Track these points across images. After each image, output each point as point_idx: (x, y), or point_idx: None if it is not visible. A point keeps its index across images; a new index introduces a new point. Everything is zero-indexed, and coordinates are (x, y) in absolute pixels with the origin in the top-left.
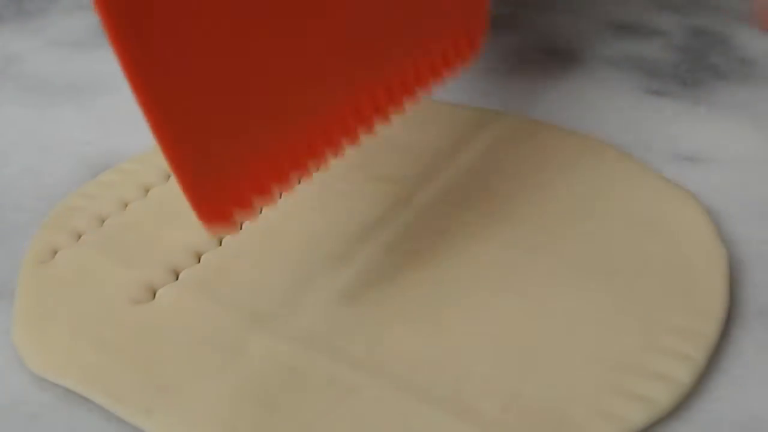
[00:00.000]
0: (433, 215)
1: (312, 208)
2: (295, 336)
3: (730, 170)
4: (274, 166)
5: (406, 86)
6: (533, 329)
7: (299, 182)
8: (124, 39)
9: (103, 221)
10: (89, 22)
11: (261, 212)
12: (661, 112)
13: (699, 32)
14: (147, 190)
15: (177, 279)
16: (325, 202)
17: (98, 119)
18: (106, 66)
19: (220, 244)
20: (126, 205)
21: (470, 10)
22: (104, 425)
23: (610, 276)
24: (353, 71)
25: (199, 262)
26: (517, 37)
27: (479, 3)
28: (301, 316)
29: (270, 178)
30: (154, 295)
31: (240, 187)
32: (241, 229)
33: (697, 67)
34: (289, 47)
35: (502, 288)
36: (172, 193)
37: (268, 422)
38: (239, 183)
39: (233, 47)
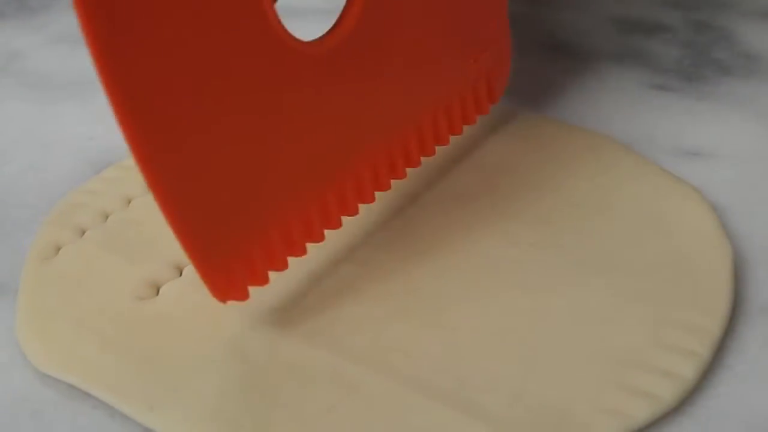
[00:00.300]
0: (437, 212)
1: None
2: (298, 331)
3: (735, 165)
4: (289, 239)
5: (423, 144)
6: (537, 325)
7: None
8: (136, 131)
9: (107, 217)
10: None
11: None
12: (665, 107)
13: (703, 27)
14: None
15: (181, 275)
16: None
17: (101, 115)
18: None
19: None
20: (129, 202)
21: (492, 60)
22: (108, 422)
23: (614, 272)
24: (369, 134)
25: None
26: (520, 34)
27: (502, 53)
28: (304, 311)
29: (284, 250)
30: (158, 291)
31: (254, 262)
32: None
33: (701, 62)
34: (301, 116)
35: (505, 284)
36: None
37: (271, 418)
38: (253, 259)
39: (243, 123)
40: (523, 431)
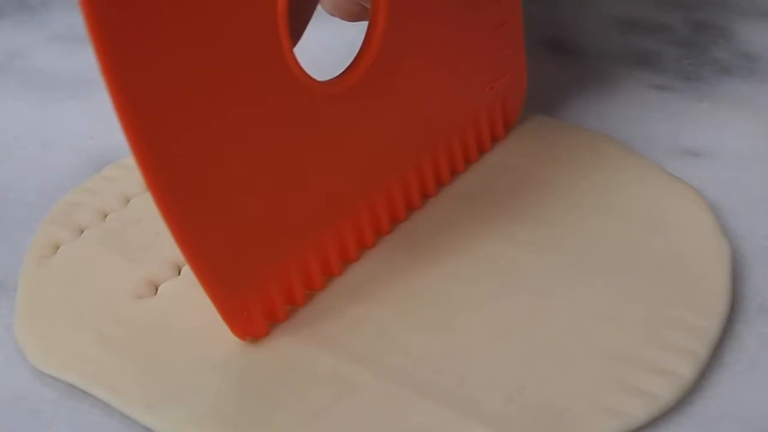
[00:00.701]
0: (440, 212)
1: None
2: (299, 331)
3: (733, 165)
4: (307, 275)
5: (438, 172)
6: (536, 324)
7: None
8: (157, 173)
9: (106, 216)
10: None
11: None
12: (664, 107)
13: (702, 27)
14: None
15: (179, 274)
16: None
17: (101, 114)
18: None
19: None
20: (128, 201)
21: (507, 86)
22: (106, 420)
23: (612, 270)
24: (385, 167)
25: None
26: None
27: (517, 78)
28: (304, 311)
29: (302, 286)
30: (157, 290)
31: (273, 300)
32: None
33: (700, 62)
34: (318, 152)
35: (504, 283)
36: None
37: (270, 417)
38: (272, 296)
39: (261, 161)
40: (521, 430)
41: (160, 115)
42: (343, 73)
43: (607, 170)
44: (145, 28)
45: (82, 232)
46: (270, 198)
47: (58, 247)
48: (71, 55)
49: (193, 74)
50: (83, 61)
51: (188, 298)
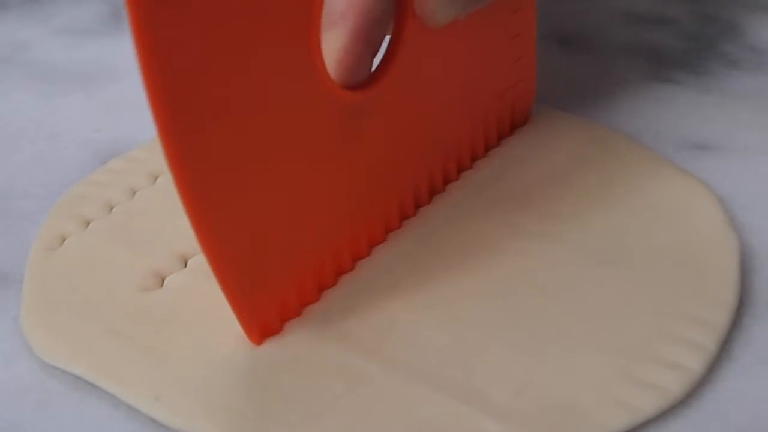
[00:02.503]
0: (447, 204)
1: None
2: (306, 323)
3: (742, 158)
4: (321, 275)
5: (447, 173)
6: (544, 316)
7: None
8: (184, 170)
9: (112, 209)
10: (97, 9)
11: None
12: (672, 100)
13: (710, 20)
14: (155, 178)
15: (186, 266)
16: None
17: (106, 107)
18: (114, 54)
19: None
20: (134, 193)
21: (517, 94)
22: (113, 412)
23: (621, 264)
24: (399, 173)
25: None
26: None
27: (527, 87)
28: (311, 304)
29: (315, 285)
30: (163, 282)
31: (289, 304)
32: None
33: (708, 56)
34: (338, 159)
35: (513, 275)
36: None
37: (277, 410)
38: (288, 301)
39: (284, 168)
40: (529, 423)
41: (191, 109)
42: (366, 82)
43: (615, 164)
44: (185, 21)
45: (88, 224)
46: (291, 201)
47: (64, 240)
48: (77, 48)
49: (223, 73)
50: (89, 54)
51: (195, 290)
